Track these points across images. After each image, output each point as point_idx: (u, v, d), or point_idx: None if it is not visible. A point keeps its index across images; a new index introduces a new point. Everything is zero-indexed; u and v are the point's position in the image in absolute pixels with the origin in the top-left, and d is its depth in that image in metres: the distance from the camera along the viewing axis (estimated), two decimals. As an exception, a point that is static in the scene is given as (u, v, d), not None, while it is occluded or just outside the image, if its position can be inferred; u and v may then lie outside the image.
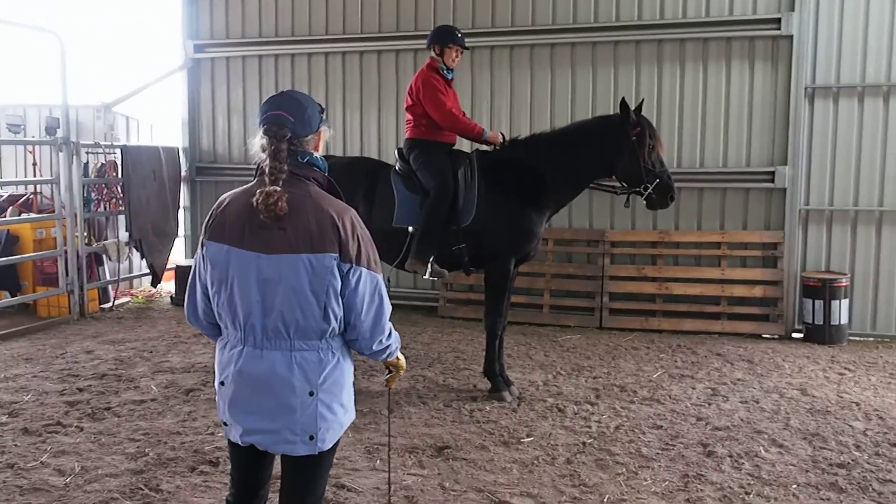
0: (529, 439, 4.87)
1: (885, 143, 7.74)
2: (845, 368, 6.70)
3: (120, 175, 9.01)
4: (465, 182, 5.72)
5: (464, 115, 5.98)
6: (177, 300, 9.38)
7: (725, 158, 8.23)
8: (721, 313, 8.07)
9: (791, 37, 7.85)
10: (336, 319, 2.49)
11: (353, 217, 2.54)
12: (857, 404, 5.65)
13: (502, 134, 5.97)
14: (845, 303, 7.66)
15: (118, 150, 9.05)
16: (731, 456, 4.61)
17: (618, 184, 5.80)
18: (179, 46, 10.12)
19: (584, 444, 4.79)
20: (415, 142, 5.90)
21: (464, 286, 8.78)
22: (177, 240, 9.86)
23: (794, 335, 7.98)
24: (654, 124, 6.20)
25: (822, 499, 4.05)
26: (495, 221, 5.66)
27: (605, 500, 4.00)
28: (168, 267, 9.64)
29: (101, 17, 12.41)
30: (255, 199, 2.43)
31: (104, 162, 9.03)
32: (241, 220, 2.48)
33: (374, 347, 2.58)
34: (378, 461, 4.46)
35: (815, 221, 8.02)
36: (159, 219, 9.35)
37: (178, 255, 10.28)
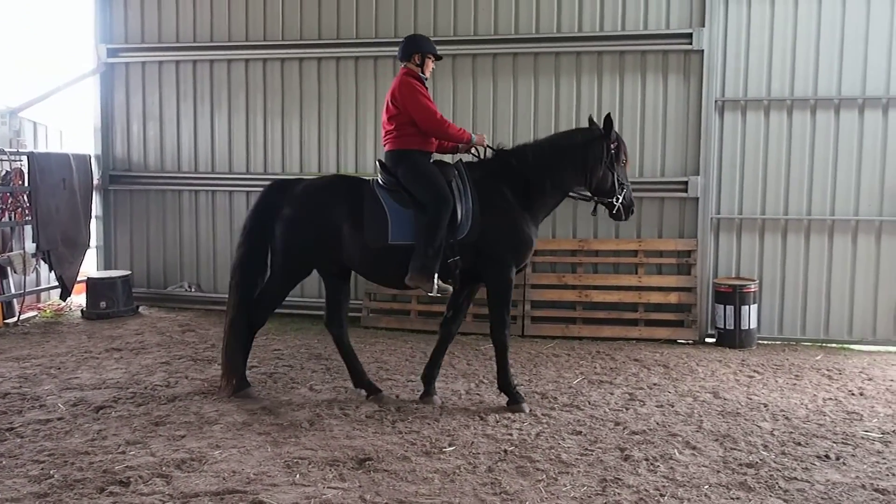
0: (451, 448, 4.87)
1: (789, 155, 8.12)
2: (754, 371, 6.97)
3: (26, 183, 8.62)
4: (459, 193, 5.62)
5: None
6: (88, 314, 9.01)
7: (641, 168, 8.47)
8: (638, 320, 8.29)
9: (702, 51, 8.16)
10: None
11: None
12: (766, 405, 5.89)
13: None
14: (754, 308, 7.99)
15: (24, 157, 8.66)
16: (647, 459, 4.72)
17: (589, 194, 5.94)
18: (92, 50, 9.78)
19: (505, 451, 4.82)
20: (401, 154, 5.71)
21: (387, 296, 8.73)
22: (88, 251, 9.48)
23: (707, 340, 8.26)
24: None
25: (733, 498, 4.19)
26: (496, 231, 5.61)
27: (526, 507, 4.03)
28: (79, 279, 9.26)
29: (6, 18, 11.83)
30: None
31: (9, 170, 8.61)
32: None
33: None
34: (298, 475, 4.38)
35: (725, 229, 8.34)
36: (69, 229, 8.97)
37: (89, 266, 9.88)
